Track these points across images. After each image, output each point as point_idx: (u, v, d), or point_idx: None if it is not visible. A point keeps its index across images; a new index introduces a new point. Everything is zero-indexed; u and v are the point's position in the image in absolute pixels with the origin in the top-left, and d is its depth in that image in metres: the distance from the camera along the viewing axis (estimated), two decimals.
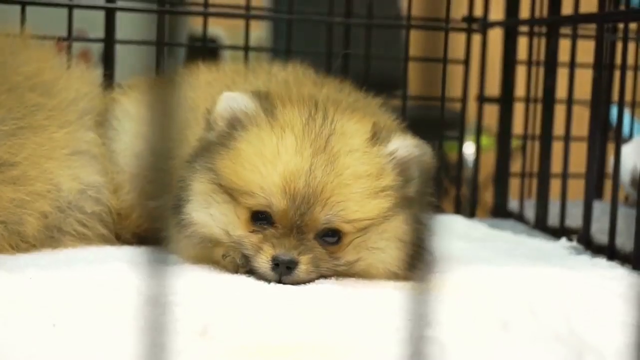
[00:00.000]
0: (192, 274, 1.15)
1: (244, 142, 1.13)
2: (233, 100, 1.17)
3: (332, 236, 1.12)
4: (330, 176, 1.09)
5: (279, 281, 1.10)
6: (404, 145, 1.15)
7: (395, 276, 1.15)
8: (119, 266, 1.15)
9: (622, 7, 1.86)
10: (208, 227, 1.15)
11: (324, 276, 1.14)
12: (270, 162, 1.10)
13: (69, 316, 0.94)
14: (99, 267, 1.17)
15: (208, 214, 1.15)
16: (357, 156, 1.12)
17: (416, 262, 1.18)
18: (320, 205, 1.09)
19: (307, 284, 1.12)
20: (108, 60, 1.67)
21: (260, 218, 1.13)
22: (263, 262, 1.10)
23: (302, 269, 1.10)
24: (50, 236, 1.30)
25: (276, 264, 1.09)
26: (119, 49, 1.68)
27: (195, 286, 1.09)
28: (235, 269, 1.15)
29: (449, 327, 0.95)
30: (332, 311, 1.00)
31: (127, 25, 1.75)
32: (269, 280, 1.11)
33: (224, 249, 1.16)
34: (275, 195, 1.09)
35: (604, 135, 2.06)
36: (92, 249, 1.32)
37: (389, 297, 1.05)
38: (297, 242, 1.10)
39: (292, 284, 1.10)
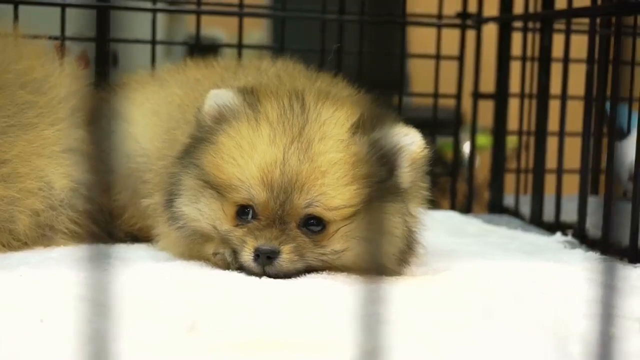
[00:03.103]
0: (180, 270, 1.15)
1: (225, 135, 1.14)
2: (218, 96, 1.17)
3: (316, 225, 1.11)
4: (305, 164, 1.09)
5: (264, 273, 1.10)
6: (390, 134, 1.12)
7: (385, 270, 1.14)
8: (110, 264, 1.14)
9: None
10: (197, 221, 1.16)
11: (314, 268, 1.13)
12: (248, 153, 1.11)
13: (56, 312, 0.94)
14: (89, 265, 1.16)
15: (197, 209, 1.16)
16: (331, 143, 1.11)
17: (407, 257, 1.17)
18: (297, 192, 1.09)
19: (295, 276, 1.11)
20: (101, 60, 1.66)
21: (245, 212, 1.13)
22: (247, 254, 1.10)
23: (285, 258, 1.09)
24: (42, 234, 1.30)
25: (258, 255, 1.09)
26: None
27: (183, 282, 1.09)
28: (226, 267, 1.15)
29: (436, 316, 0.95)
30: (320, 306, 1.00)
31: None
32: (259, 275, 1.11)
33: (214, 247, 1.16)
34: (255, 187, 1.10)
35: (601, 130, 2.05)
36: (84, 247, 1.32)
37: (379, 292, 1.05)
38: (279, 232, 1.10)
39: (278, 274, 1.10)
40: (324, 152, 1.10)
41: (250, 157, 1.11)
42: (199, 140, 1.18)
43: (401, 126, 1.15)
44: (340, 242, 1.12)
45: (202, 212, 1.15)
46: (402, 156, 1.13)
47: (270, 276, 1.10)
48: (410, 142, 1.13)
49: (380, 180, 1.12)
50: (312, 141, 1.10)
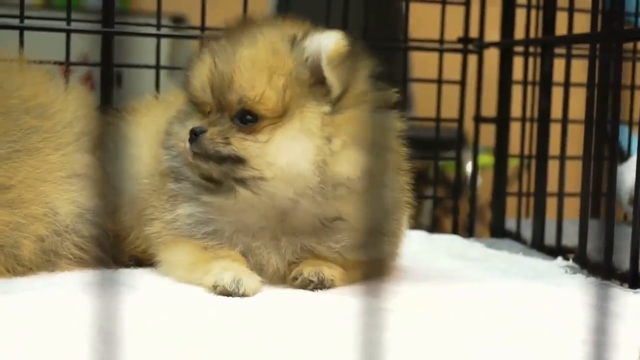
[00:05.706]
0: (183, 295, 1.16)
1: (198, 61, 1.31)
2: None
3: (251, 119, 1.23)
4: (228, 65, 1.24)
5: (193, 152, 1.24)
6: (313, 38, 1.23)
7: (304, 178, 1.20)
8: (115, 290, 1.15)
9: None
10: (179, 138, 1.29)
11: (239, 158, 1.22)
12: (201, 66, 1.29)
13: (61, 339, 0.94)
14: (94, 291, 1.17)
15: (183, 125, 1.30)
16: (253, 48, 1.24)
17: (333, 164, 1.21)
18: (227, 90, 1.24)
19: (220, 162, 1.23)
20: (106, 84, 1.68)
21: None
22: (187, 139, 1.25)
23: (207, 137, 1.24)
24: (47, 259, 1.30)
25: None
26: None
27: (187, 308, 1.10)
28: (228, 296, 1.17)
29: (433, 343, 0.96)
30: (321, 332, 1.01)
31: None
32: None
33: (214, 279, 1.19)
34: (205, 89, 1.27)
35: (601, 153, 2.05)
36: (89, 272, 1.32)
37: (379, 317, 1.06)
38: (213, 119, 1.25)
39: (200, 150, 1.24)
40: (243, 54, 1.24)
41: (201, 69, 1.29)
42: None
43: (327, 31, 1.24)
44: (266, 134, 1.22)
45: (187, 126, 1.28)
46: (322, 57, 1.21)
47: (195, 153, 1.24)
48: (326, 41, 1.21)
49: (302, 80, 1.22)
50: (239, 48, 1.25)
